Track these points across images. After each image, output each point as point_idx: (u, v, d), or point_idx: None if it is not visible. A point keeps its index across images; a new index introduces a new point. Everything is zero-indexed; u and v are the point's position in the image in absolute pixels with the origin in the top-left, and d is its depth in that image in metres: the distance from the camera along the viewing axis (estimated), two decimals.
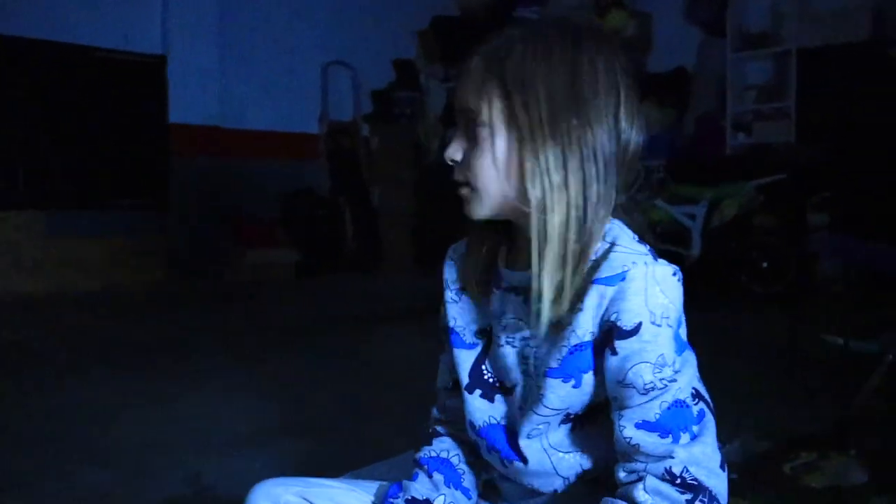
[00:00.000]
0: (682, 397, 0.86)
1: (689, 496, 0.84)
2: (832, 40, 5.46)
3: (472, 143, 0.91)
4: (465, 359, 1.03)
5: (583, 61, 0.88)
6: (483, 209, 0.93)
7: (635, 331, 0.85)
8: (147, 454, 2.22)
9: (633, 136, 0.91)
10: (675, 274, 0.87)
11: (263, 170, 6.68)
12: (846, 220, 4.73)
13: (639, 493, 0.85)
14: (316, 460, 2.12)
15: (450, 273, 1.07)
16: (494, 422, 1.00)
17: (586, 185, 0.88)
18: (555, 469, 0.96)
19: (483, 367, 1.01)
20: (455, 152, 0.94)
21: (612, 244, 0.89)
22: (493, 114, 0.89)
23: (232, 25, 6.49)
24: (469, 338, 1.03)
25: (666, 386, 0.85)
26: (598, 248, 0.89)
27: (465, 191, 0.94)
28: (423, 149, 7.46)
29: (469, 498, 1.05)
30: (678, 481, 0.84)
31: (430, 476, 1.05)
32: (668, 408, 0.85)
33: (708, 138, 6.16)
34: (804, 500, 1.89)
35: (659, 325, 0.85)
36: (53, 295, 5.26)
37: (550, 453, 0.95)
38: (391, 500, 1.03)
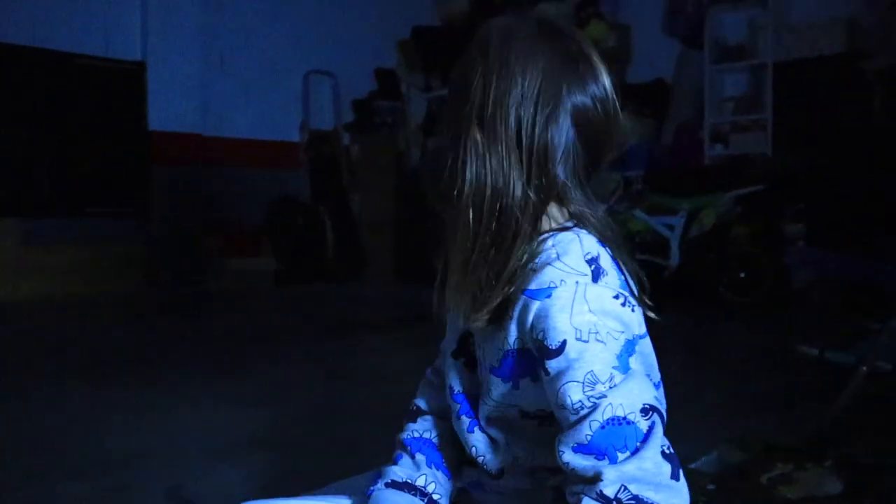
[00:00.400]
0: (619, 414, 0.81)
1: None
2: (807, 53, 5.55)
3: None
4: (456, 326, 1.03)
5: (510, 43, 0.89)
6: None
7: (560, 349, 0.82)
8: (126, 466, 2.21)
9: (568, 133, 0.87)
10: (616, 297, 0.84)
11: (244, 178, 6.66)
12: (821, 230, 4.80)
13: None
14: (296, 472, 2.11)
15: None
16: (470, 390, 1.00)
17: (504, 180, 0.86)
18: (494, 455, 0.97)
19: (472, 337, 1.00)
20: None
21: (552, 257, 0.86)
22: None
23: (213, 33, 6.47)
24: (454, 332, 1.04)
25: (595, 404, 0.81)
26: (539, 257, 0.86)
27: None
28: (404, 158, 7.48)
29: (448, 477, 1.05)
30: (614, 503, 0.80)
31: (412, 457, 1.05)
32: (602, 427, 0.81)
33: (686, 149, 6.23)
34: None
35: (585, 341, 0.82)
36: (31, 303, 5.20)
37: (495, 439, 0.96)
38: (372, 488, 1.03)
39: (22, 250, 5.49)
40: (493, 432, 0.97)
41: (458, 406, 1.02)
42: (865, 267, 2.07)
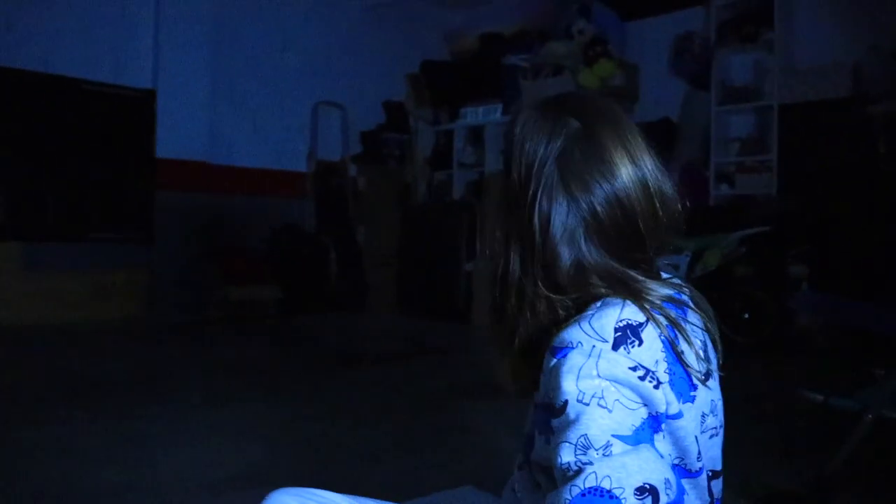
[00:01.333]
0: (604, 486, 0.77)
1: None
2: (812, 97, 5.58)
3: None
4: None
5: (512, 135, 0.97)
6: None
7: (563, 409, 0.82)
8: (122, 497, 2.18)
9: (586, 202, 0.91)
10: (634, 369, 0.82)
11: (250, 206, 6.69)
12: (824, 273, 4.79)
13: None
14: None
15: None
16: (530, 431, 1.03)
17: (517, 255, 0.93)
18: (530, 496, 0.98)
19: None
20: None
21: (583, 318, 0.86)
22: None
23: (223, 62, 6.55)
24: None
25: (581, 469, 0.79)
26: (577, 317, 0.87)
27: None
28: (410, 191, 7.51)
29: None
30: None
31: None
32: (581, 494, 0.78)
33: (692, 189, 6.24)
34: None
35: (586, 404, 0.80)
36: (32, 328, 5.19)
37: (538, 481, 0.95)
38: None
39: (25, 275, 5.49)
40: (537, 474, 0.96)
41: (522, 443, 1.03)
42: (871, 315, 2.06)
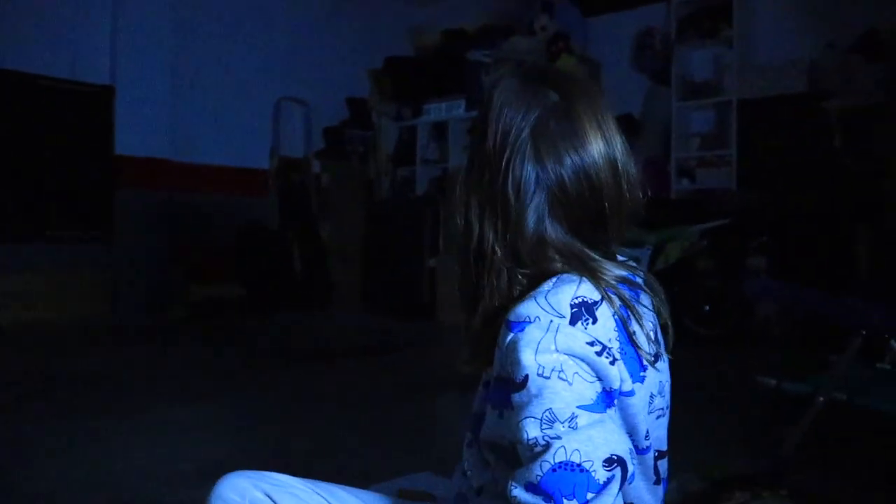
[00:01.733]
0: (574, 459, 0.78)
1: None
2: (770, 92, 5.67)
3: None
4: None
5: (490, 100, 0.95)
6: None
7: (523, 384, 0.82)
8: (78, 494, 2.14)
9: (554, 173, 0.90)
10: (592, 343, 0.83)
11: (212, 204, 6.60)
12: (782, 264, 4.87)
13: None
14: None
15: None
16: (479, 409, 1.03)
17: (490, 222, 0.92)
18: (478, 473, 0.98)
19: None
20: None
21: (540, 293, 0.86)
22: None
23: (183, 57, 6.45)
24: None
25: (549, 443, 0.79)
26: (533, 292, 0.87)
27: None
28: (374, 187, 7.48)
29: None
30: None
31: None
32: (552, 469, 0.79)
33: (653, 183, 6.30)
34: None
35: (547, 377, 0.81)
36: None
37: (485, 458, 0.96)
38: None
39: None
40: (486, 452, 0.96)
41: (470, 422, 1.03)
42: (821, 300, 2.10)
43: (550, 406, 0.80)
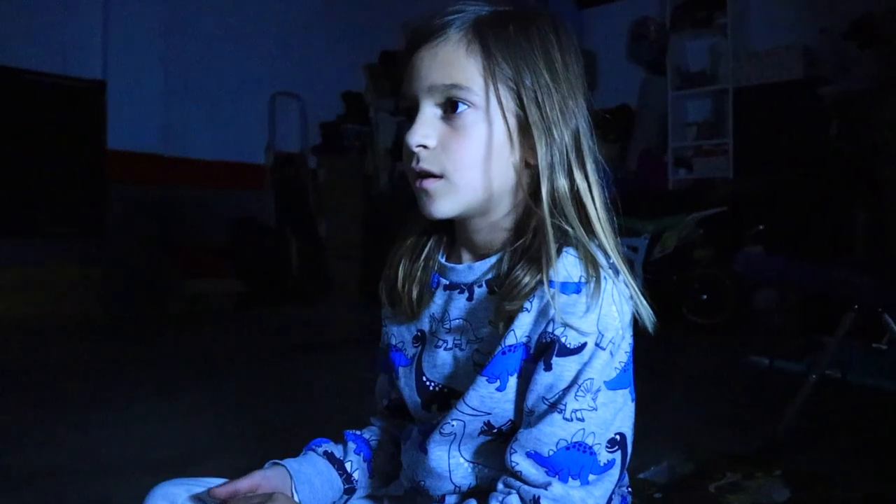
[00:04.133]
0: (587, 441, 0.77)
1: None
2: (766, 80, 5.64)
3: (452, 127, 0.83)
4: (409, 376, 0.96)
5: (564, 44, 0.87)
6: (454, 204, 0.85)
7: (578, 350, 0.78)
8: (52, 478, 2.11)
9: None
10: (631, 298, 0.82)
11: (207, 199, 6.58)
12: (778, 250, 4.83)
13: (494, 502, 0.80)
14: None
15: (385, 288, 0.99)
16: (427, 401, 0.95)
17: (580, 170, 0.85)
18: (449, 474, 0.90)
19: (424, 379, 0.93)
20: (426, 137, 0.84)
21: (577, 246, 0.81)
22: (490, 96, 0.82)
23: (176, 52, 6.42)
24: (409, 351, 0.97)
25: (570, 420, 0.77)
26: (565, 247, 0.82)
27: (433, 184, 0.85)
28: (371, 181, 7.45)
29: (370, 476, 1.04)
30: None
31: (345, 443, 1.05)
32: (567, 447, 0.77)
33: (650, 173, 6.27)
34: None
35: (603, 349, 0.78)
36: None
37: (452, 456, 0.89)
38: (313, 446, 1.04)
39: None
40: (438, 446, 0.90)
41: (414, 421, 0.97)
42: (811, 272, 2.07)
43: (592, 377, 0.78)
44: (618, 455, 0.80)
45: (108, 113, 6.09)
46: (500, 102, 0.82)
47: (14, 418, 2.80)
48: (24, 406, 2.99)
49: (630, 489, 0.94)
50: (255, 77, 6.98)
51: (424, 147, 0.84)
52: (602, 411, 0.78)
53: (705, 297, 5.13)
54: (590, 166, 0.86)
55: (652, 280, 5.28)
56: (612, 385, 0.79)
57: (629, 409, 0.81)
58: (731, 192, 5.51)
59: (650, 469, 2.14)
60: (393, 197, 7.14)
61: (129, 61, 6.09)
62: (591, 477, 0.77)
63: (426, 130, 0.84)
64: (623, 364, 0.80)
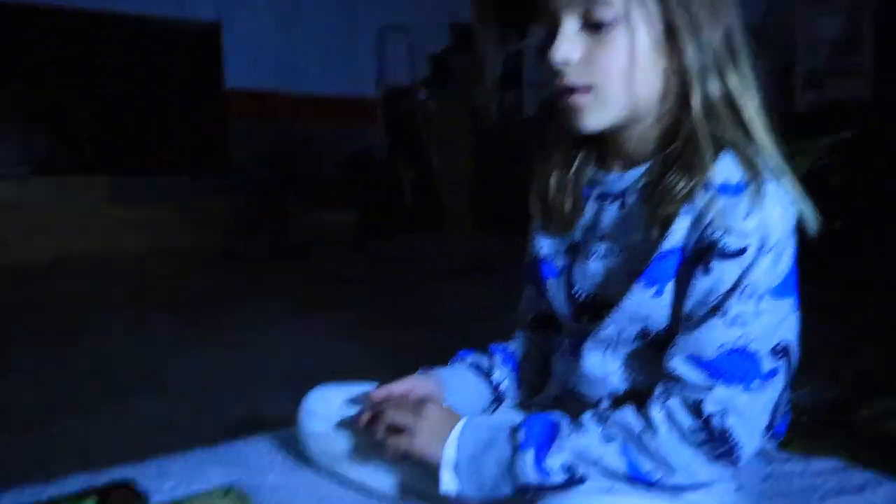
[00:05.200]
0: (751, 348, 0.75)
1: (702, 437, 0.75)
2: None
3: (595, 39, 0.82)
4: (559, 288, 0.96)
5: None
6: (604, 116, 0.85)
7: (739, 253, 0.76)
8: (208, 388, 2.25)
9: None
10: (793, 204, 0.80)
11: (321, 134, 6.70)
12: None
13: (654, 407, 0.78)
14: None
15: (537, 202, 0.99)
16: (579, 310, 0.96)
17: (734, 72, 0.83)
18: (605, 377, 0.89)
19: (574, 290, 0.93)
20: (570, 52, 0.83)
21: (735, 149, 0.81)
22: (631, 3, 0.81)
23: None
24: (560, 262, 0.97)
25: (733, 325, 0.75)
26: (723, 150, 0.81)
27: (582, 98, 0.84)
28: (481, 112, 7.37)
29: (518, 386, 1.08)
30: (702, 420, 0.75)
31: (491, 355, 1.09)
32: (729, 353, 0.75)
33: (777, 95, 5.93)
34: (880, 445, 1.79)
35: (767, 253, 0.76)
36: (117, 256, 5.37)
37: (606, 361, 0.89)
38: (460, 357, 1.10)
39: (108, 206, 5.67)
40: (594, 352, 0.90)
41: (563, 333, 0.98)
42: None
43: (756, 280, 0.76)
44: (782, 365, 0.78)
45: (224, 53, 6.22)
46: (643, 8, 0.81)
47: (158, 337, 3.00)
48: (166, 326, 3.18)
49: (790, 408, 0.91)
50: (363, 10, 6.97)
51: (567, 63, 0.83)
52: (765, 318, 0.76)
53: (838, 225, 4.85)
54: (745, 66, 0.84)
55: None
56: (777, 292, 0.77)
57: (793, 318, 0.79)
58: (866, 115, 5.14)
59: (794, 393, 2.06)
60: (502, 128, 7.05)
61: (242, 1, 6.19)
62: (755, 383, 0.76)
63: (569, 45, 0.83)
64: (787, 271, 0.78)
